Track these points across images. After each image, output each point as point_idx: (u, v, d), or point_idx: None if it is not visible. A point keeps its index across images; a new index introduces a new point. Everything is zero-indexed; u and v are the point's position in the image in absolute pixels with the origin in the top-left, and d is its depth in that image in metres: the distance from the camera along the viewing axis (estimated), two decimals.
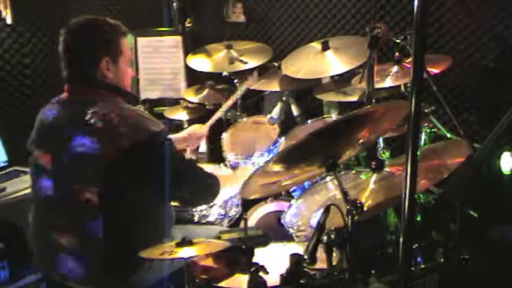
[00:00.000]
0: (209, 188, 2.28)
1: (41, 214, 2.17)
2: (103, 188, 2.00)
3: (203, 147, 3.54)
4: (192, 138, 2.88)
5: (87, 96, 2.10)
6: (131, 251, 1.91)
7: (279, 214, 2.68)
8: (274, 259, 2.08)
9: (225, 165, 3.10)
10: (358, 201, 1.75)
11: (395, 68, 2.70)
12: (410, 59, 1.42)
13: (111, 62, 2.13)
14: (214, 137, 3.28)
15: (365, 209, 1.77)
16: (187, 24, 3.90)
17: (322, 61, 3.02)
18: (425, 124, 2.67)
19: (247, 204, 2.89)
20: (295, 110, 3.20)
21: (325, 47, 3.04)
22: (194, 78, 3.72)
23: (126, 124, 2.02)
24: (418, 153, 1.39)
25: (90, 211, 2.02)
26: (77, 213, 2.05)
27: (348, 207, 1.74)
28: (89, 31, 2.13)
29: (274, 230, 2.56)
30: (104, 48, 2.13)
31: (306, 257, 1.74)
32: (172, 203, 2.28)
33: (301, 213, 2.50)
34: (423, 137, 2.67)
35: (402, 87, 2.73)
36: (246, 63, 3.30)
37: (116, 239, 2.05)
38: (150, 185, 2.07)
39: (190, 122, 3.39)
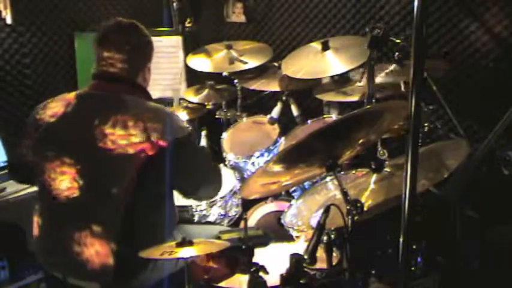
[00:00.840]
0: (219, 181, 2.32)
1: (52, 213, 2.10)
2: (128, 186, 1.95)
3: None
4: None
5: (116, 92, 2.06)
6: (138, 251, 1.88)
7: (279, 214, 2.67)
8: (274, 259, 2.08)
9: (225, 165, 3.10)
10: (358, 201, 1.75)
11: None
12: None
13: (148, 69, 2.17)
14: (214, 137, 3.29)
15: (365, 209, 1.77)
16: (187, 24, 3.90)
17: (322, 61, 3.02)
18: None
19: (247, 204, 2.89)
20: (295, 110, 3.20)
21: (325, 47, 3.04)
22: (194, 78, 3.72)
23: (160, 121, 1.98)
24: None
25: (108, 210, 1.98)
26: (93, 212, 2.00)
27: (348, 207, 1.74)
28: (144, 35, 2.15)
29: (274, 230, 2.56)
30: (150, 53, 2.18)
31: (306, 257, 1.74)
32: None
33: (301, 213, 2.50)
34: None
35: (402, 87, 2.73)
36: (246, 63, 3.30)
37: (127, 237, 2.00)
38: (172, 182, 2.05)
39: (190, 122, 3.39)
